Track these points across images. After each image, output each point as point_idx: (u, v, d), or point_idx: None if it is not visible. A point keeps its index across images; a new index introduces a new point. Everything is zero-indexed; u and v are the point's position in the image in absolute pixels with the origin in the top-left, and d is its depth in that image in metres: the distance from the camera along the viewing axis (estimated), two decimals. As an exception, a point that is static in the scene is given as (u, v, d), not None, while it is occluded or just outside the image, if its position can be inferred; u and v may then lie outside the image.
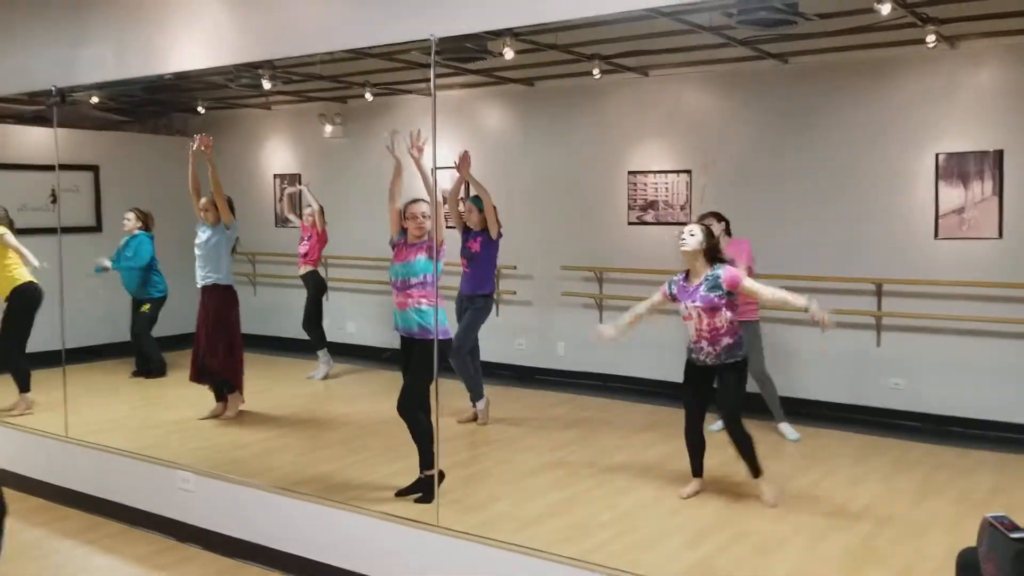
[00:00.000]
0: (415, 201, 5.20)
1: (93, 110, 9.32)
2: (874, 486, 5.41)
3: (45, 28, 6.32)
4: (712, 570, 4.18)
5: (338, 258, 9.46)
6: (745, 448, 5.11)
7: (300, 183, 8.44)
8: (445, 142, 8.89)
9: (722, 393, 5.14)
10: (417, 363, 5.06)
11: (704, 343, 5.07)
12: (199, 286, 6.94)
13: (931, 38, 5.91)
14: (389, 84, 8.60)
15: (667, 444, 6.24)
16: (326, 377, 8.50)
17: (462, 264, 6.83)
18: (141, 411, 7.49)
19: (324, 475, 5.52)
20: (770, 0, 5.19)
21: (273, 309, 10.24)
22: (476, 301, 6.77)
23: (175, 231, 8.64)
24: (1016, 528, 2.83)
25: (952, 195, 6.70)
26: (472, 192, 6.84)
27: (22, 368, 7.19)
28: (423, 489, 4.99)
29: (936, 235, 6.77)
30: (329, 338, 8.71)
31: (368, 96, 8.68)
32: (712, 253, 5.10)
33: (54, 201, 7.36)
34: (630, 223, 8.16)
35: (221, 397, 7.06)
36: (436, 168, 4.92)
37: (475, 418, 6.86)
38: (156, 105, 10.29)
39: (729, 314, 5.03)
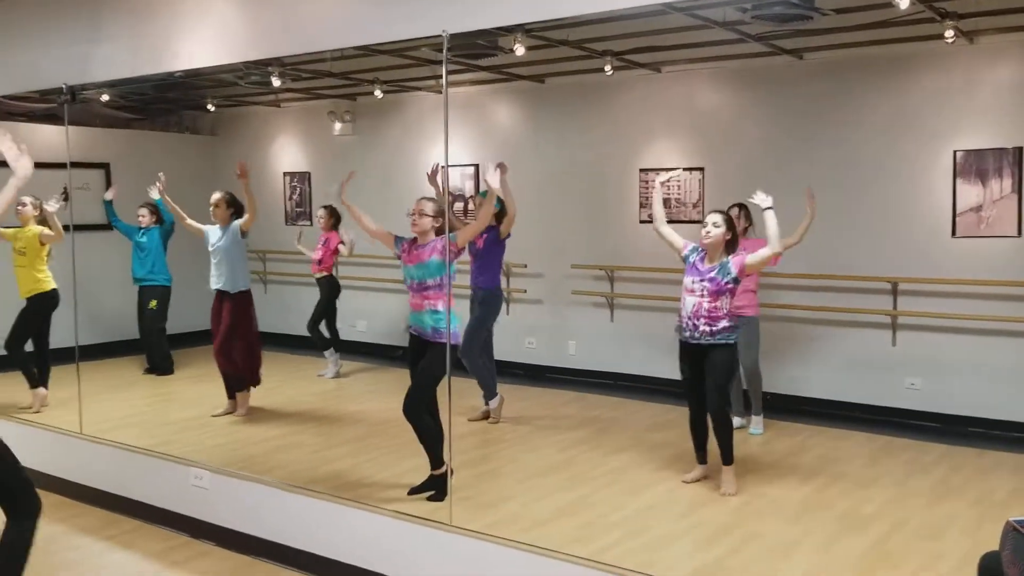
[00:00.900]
0: (419, 199, 5.18)
1: (103, 108, 9.32)
2: (889, 487, 5.36)
3: (56, 26, 6.32)
4: (724, 571, 4.15)
5: (348, 256, 9.44)
6: (725, 432, 5.25)
7: (340, 232, 8.42)
8: (455, 139, 8.92)
9: (708, 373, 5.23)
10: (427, 364, 5.04)
11: (701, 321, 5.19)
12: (212, 288, 6.92)
13: (949, 33, 5.84)
14: (399, 81, 8.58)
15: (678, 444, 6.19)
16: (337, 375, 8.49)
17: (470, 260, 6.82)
18: (155, 408, 7.50)
19: (336, 473, 5.51)
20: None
21: (284, 307, 10.24)
22: (479, 294, 6.75)
23: (182, 228, 8.64)
24: (1039, 532, 2.78)
25: (970, 193, 6.63)
26: (482, 187, 6.80)
27: (31, 365, 7.22)
28: (435, 487, 4.98)
29: (953, 233, 6.71)
30: (340, 336, 8.70)
31: (378, 93, 8.66)
32: (732, 243, 5.29)
33: (66, 199, 7.38)
34: (642, 221, 8.11)
35: (232, 395, 7.06)
36: (448, 165, 4.88)
37: (486, 416, 6.83)
38: (166, 103, 10.30)
39: (729, 301, 5.21)
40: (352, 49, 5.29)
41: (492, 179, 5.12)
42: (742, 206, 6.40)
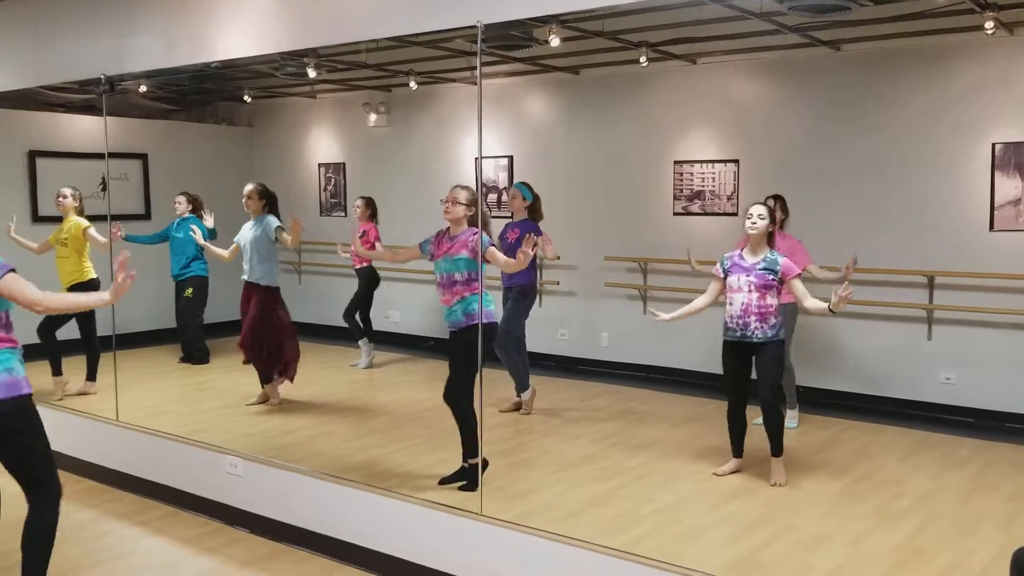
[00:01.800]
0: (453, 187, 5.15)
1: (141, 99, 9.45)
2: (923, 482, 5.32)
3: (94, 17, 6.40)
4: (756, 565, 4.14)
5: (384, 247, 9.50)
6: (777, 424, 5.28)
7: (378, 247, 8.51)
8: (489, 131, 8.94)
9: (763, 368, 5.23)
10: (461, 351, 5.05)
11: (753, 319, 5.18)
12: (243, 280, 6.99)
13: (989, 24, 5.75)
14: (433, 73, 8.60)
15: (711, 437, 6.19)
16: (370, 366, 8.55)
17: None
18: (189, 396, 7.59)
19: (368, 462, 5.55)
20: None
21: (318, 297, 10.33)
22: (513, 291, 6.76)
23: (219, 218, 8.73)
24: (1075, 528, 2.75)
25: (1008, 186, 6.54)
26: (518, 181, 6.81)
27: (59, 354, 7.33)
28: (467, 477, 5.00)
29: (991, 227, 6.62)
30: (374, 327, 8.75)
31: (412, 85, 8.68)
32: (771, 235, 5.31)
33: (104, 189, 7.47)
34: (675, 213, 8.08)
35: (266, 383, 7.13)
36: (483, 157, 4.89)
37: (517, 407, 6.85)
38: (202, 94, 10.41)
39: (777, 297, 5.23)
40: (387, 40, 5.32)
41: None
42: (778, 197, 6.35)
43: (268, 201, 6.95)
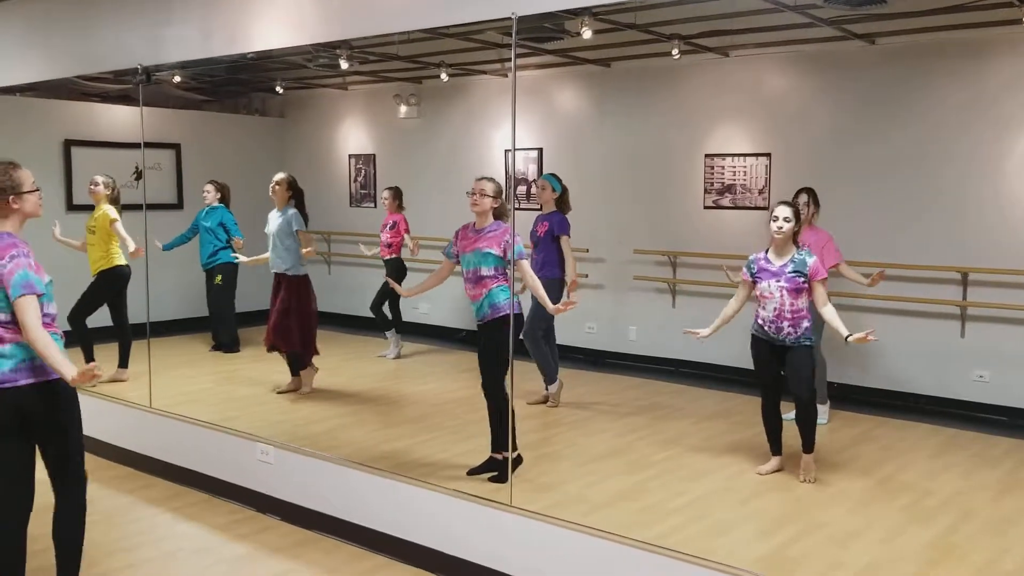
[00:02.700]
0: (479, 178, 5.17)
1: (175, 89, 9.54)
2: (955, 480, 5.28)
3: (131, 7, 6.46)
4: (786, 560, 4.13)
5: (412, 238, 9.53)
6: (810, 422, 5.26)
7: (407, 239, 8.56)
8: (520, 123, 8.92)
9: (797, 368, 5.19)
10: (489, 344, 5.05)
11: (786, 324, 5.14)
12: (272, 271, 7.05)
13: (1027, 18, 5.69)
14: (464, 65, 8.61)
15: (740, 431, 6.19)
16: (398, 356, 8.59)
17: (531, 248, 6.83)
18: (222, 384, 7.67)
19: (397, 451, 5.59)
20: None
21: (347, 288, 10.40)
22: (543, 284, 6.75)
23: (250, 208, 8.80)
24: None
25: (1045, 182, 6.46)
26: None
27: (90, 341, 7.43)
28: (496, 468, 5.03)
29: (1027, 223, 6.55)
30: (403, 318, 8.79)
31: (444, 77, 8.70)
32: (796, 233, 5.23)
33: (138, 178, 7.55)
34: (706, 207, 8.05)
35: (296, 373, 7.19)
36: (515, 149, 4.90)
37: (545, 400, 6.86)
38: (236, 85, 10.49)
39: (808, 299, 5.16)
40: (419, 32, 5.33)
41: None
42: (809, 191, 6.31)
43: (295, 193, 7.01)
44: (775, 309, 5.13)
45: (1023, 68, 6.53)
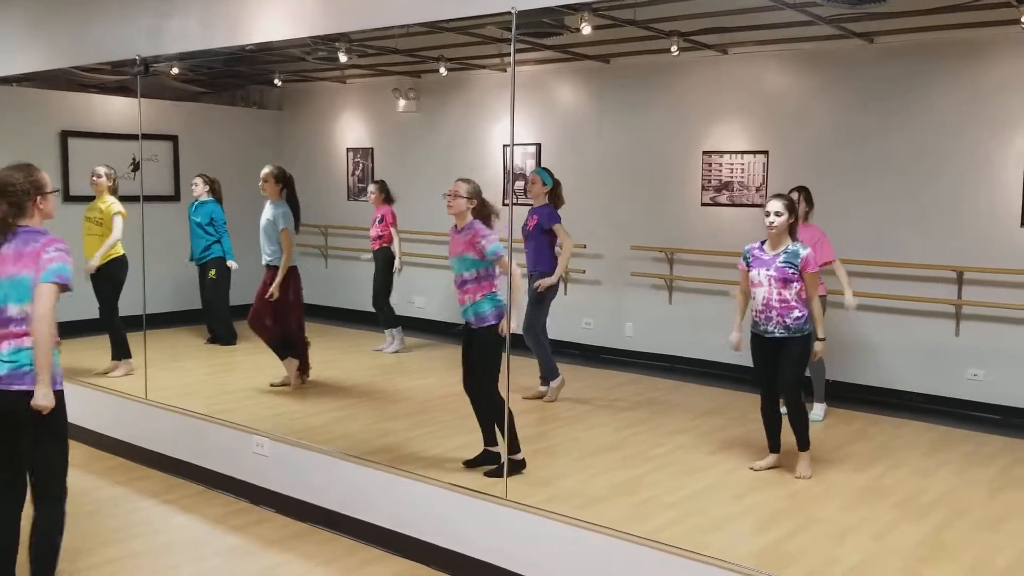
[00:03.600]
0: (456, 180, 5.20)
1: (172, 81, 9.51)
2: (948, 478, 5.30)
3: (130, -1, 6.46)
4: (781, 556, 4.14)
5: (409, 233, 9.53)
6: (799, 419, 5.25)
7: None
8: (518, 118, 8.91)
9: (784, 364, 5.19)
10: (479, 349, 5.11)
11: (774, 313, 5.14)
12: (263, 263, 7.02)
13: (1026, 18, 5.70)
14: (463, 59, 8.61)
15: (735, 427, 6.21)
16: (398, 350, 8.57)
17: (523, 242, 6.83)
18: (217, 377, 7.67)
19: (393, 445, 5.60)
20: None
21: (343, 281, 10.39)
22: (534, 278, 6.77)
23: (246, 201, 8.77)
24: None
25: (1041, 182, 6.48)
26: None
27: (119, 333, 7.45)
28: (493, 462, 5.08)
29: (1023, 223, 6.55)
30: (399, 312, 8.79)
31: (442, 71, 8.69)
32: (794, 225, 5.21)
33: (135, 169, 7.52)
34: (703, 204, 8.06)
35: (283, 357, 7.15)
36: (513, 144, 4.89)
37: (540, 396, 6.87)
38: (234, 77, 10.47)
39: (798, 287, 5.13)
40: (419, 26, 5.32)
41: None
42: (803, 189, 6.34)
43: (285, 185, 6.98)
44: (764, 298, 5.15)
45: (1020, 68, 6.54)
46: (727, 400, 7.02)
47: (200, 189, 8.61)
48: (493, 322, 5.02)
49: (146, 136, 7.75)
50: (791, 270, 5.09)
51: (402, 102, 9.87)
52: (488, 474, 5.00)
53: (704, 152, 8.03)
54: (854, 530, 4.46)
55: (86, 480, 5.78)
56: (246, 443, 5.46)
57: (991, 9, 5.79)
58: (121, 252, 7.39)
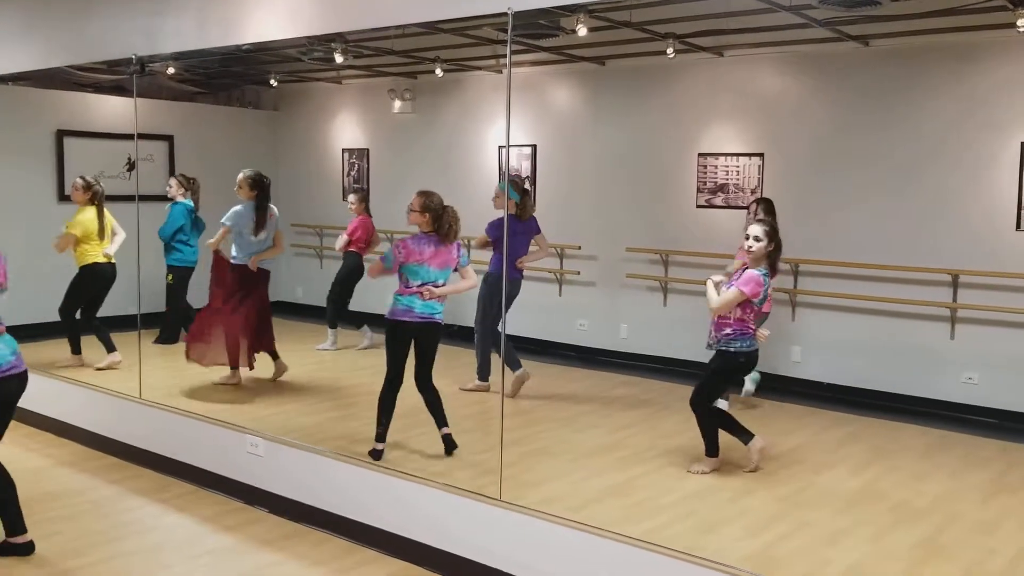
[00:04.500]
0: (416, 194, 5.44)
1: (168, 81, 9.49)
2: (943, 481, 5.30)
3: (127, -2, 6.44)
4: (774, 558, 4.14)
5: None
6: (708, 428, 5.39)
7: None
8: (514, 120, 8.93)
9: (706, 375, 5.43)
10: (430, 345, 5.45)
11: (712, 326, 5.33)
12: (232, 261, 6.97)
13: (1021, 22, 5.69)
14: (459, 60, 8.60)
15: (730, 430, 6.20)
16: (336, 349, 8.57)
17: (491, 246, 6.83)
18: (211, 376, 7.63)
19: (388, 444, 5.56)
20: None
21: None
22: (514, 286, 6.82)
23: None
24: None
25: (1036, 186, 6.49)
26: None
27: (75, 333, 7.61)
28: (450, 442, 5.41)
29: (1018, 226, 6.57)
30: (377, 311, 8.75)
31: (438, 72, 8.69)
32: (775, 254, 5.26)
33: (130, 169, 7.50)
34: (699, 206, 8.06)
35: (276, 356, 7.18)
36: (509, 146, 4.90)
37: (483, 390, 6.99)
38: (230, 77, 10.45)
39: (743, 311, 5.19)
40: (415, 27, 5.32)
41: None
42: (765, 200, 6.50)
43: (260, 190, 6.86)
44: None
45: (1015, 71, 6.56)
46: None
47: (174, 191, 8.47)
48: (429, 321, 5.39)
49: (142, 136, 7.74)
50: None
51: (398, 103, 9.86)
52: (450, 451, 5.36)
53: (699, 154, 8.03)
54: (848, 533, 4.46)
55: (79, 479, 5.77)
56: (240, 443, 5.44)
57: (986, 12, 5.79)
58: (92, 260, 7.45)
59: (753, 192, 7.70)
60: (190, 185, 8.55)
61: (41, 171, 9.29)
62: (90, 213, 7.46)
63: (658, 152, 8.29)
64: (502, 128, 5.64)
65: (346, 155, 10.66)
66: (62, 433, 6.62)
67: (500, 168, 8.87)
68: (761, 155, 7.70)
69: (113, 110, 9.60)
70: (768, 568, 3.99)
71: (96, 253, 7.48)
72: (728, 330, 5.21)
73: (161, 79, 9.13)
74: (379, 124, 10.32)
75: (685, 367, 8.07)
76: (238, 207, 6.85)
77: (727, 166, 7.88)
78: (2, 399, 4.32)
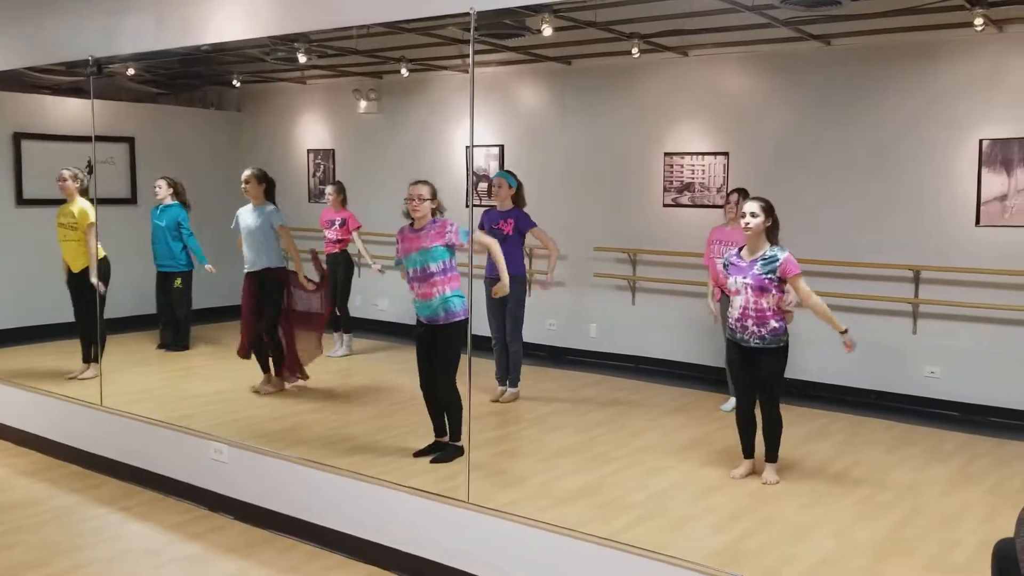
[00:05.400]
0: (414, 183, 5.32)
1: (128, 82, 9.37)
2: (907, 475, 5.35)
3: (84, -2, 6.35)
4: (741, 554, 4.16)
5: (371, 235, 9.46)
6: (774, 432, 5.17)
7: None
8: (480, 120, 8.91)
9: (764, 376, 5.10)
10: (446, 345, 5.25)
11: (750, 323, 5.03)
12: (247, 271, 6.87)
13: (979, 21, 5.78)
14: (425, 60, 8.57)
15: (698, 427, 6.23)
16: (348, 354, 8.49)
17: None
18: (174, 382, 7.56)
19: (355, 449, 5.55)
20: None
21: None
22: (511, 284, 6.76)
23: (206, 204, 8.65)
24: (1057, 520, 2.77)
25: (995, 182, 6.57)
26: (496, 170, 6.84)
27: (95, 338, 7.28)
28: (442, 449, 5.30)
29: (977, 222, 6.65)
30: (361, 315, 8.72)
31: (404, 72, 8.65)
32: (773, 230, 5.07)
33: (90, 172, 7.41)
34: (665, 205, 8.09)
35: (268, 369, 7.04)
36: (474, 145, 4.89)
37: (502, 396, 6.90)
38: (191, 78, 10.33)
39: (778, 296, 5.00)
40: (379, 26, 5.28)
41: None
42: (742, 191, 6.41)
43: (268, 185, 6.88)
44: (741, 307, 5.03)
45: (975, 70, 6.64)
46: (689, 400, 7.04)
47: (163, 192, 8.42)
48: (463, 316, 5.18)
49: (101, 138, 7.61)
50: (767, 278, 4.95)
51: (363, 103, 9.80)
52: (434, 460, 5.22)
53: (666, 153, 8.06)
54: (814, 528, 4.50)
55: (39, 489, 5.67)
56: (204, 449, 5.38)
57: (945, 12, 5.87)
58: (102, 254, 7.22)
59: (719, 191, 7.73)
60: (176, 186, 8.48)
61: (-2, 174, 9.14)
62: (87, 203, 7.24)
63: (625, 151, 8.30)
64: (468, 128, 5.63)
65: (311, 156, 10.57)
66: (22, 442, 6.51)
67: (467, 168, 8.82)
68: (726, 154, 7.74)
69: (72, 112, 9.45)
70: (736, 564, 4.00)
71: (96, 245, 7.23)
72: (775, 323, 5.00)
73: (121, 80, 9.00)
74: (344, 124, 10.26)
75: (654, 366, 8.11)
76: (273, 207, 6.80)
77: (693, 165, 7.92)
78: None
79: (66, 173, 7.30)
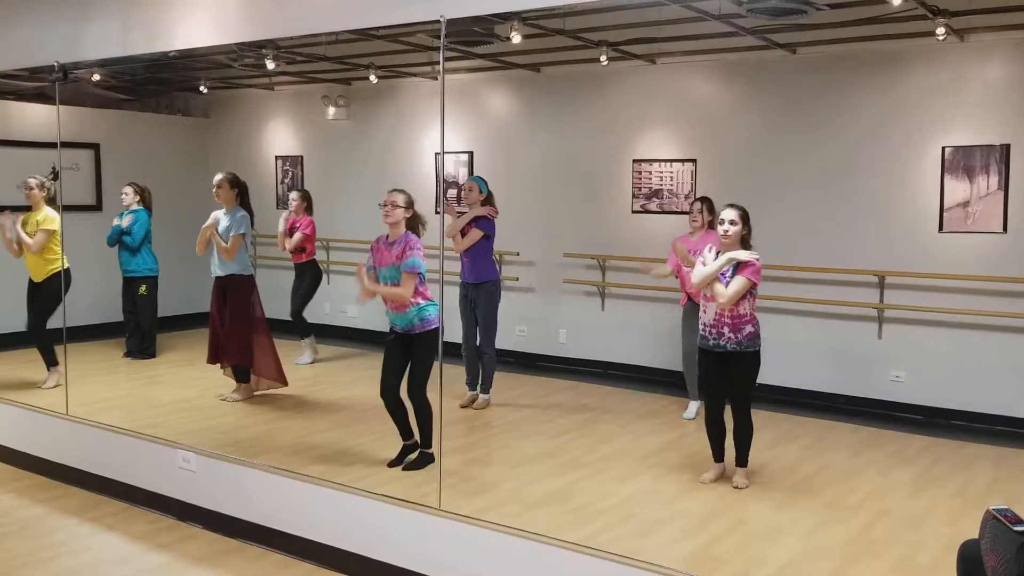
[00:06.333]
0: (390, 191, 5.33)
1: (94, 88, 9.28)
2: (873, 478, 5.42)
3: (48, 3, 6.27)
4: (710, 558, 4.19)
5: (340, 241, 9.44)
6: (746, 437, 5.22)
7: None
8: (450, 126, 8.91)
9: (738, 380, 5.16)
10: (422, 352, 5.27)
11: (726, 329, 5.07)
12: (214, 276, 6.83)
13: (941, 31, 5.89)
14: (394, 67, 8.57)
15: (667, 432, 6.27)
16: (313, 362, 8.46)
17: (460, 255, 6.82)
18: (140, 390, 7.48)
19: (325, 457, 5.52)
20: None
21: (272, 291, 10.17)
22: (483, 290, 6.77)
23: (173, 211, 8.57)
24: (1019, 521, 2.82)
25: (957, 189, 6.68)
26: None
27: (49, 344, 7.23)
28: (412, 452, 5.30)
29: (940, 229, 6.76)
30: (330, 322, 8.67)
31: (373, 79, 8.64)
32: (748, 237, 5.15)
33: (55, 178, 7.33)
34: (634, 211, 8.14)
35: (242, 379, 6.99)
36: (444, 152, 4.90)
37: (473, 401, 6.88)
38: (157, 84, 10.25)
39: (752, 304, 5.08)
40: (348, 33, 5.29)
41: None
42: (705, 200, 6.48)
43: (240, 190, 6.84)
44: (716, 313, 5.08)
45: (935, 78, 6.75)
46: (658, 406, 7.08)
47: (130, 199, 8.36)
48: (436, 325, 5.22)
49: (66, 144, 7.56)
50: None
51: (332, 110, 9.77)
52: (406, 468, 5.24)
53: (634, 160, 8.11)
54: (782, 531, 4.54)
55: (5, 499, 5.60)
56: (172, 458, 5.33)
57: (909, 21, 5.97)
58: (65, 265, 7.11)
59: (687, 197, 7.79)
60: (143, 193, 8.41)
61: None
62: (52, 211, 7.14)
63: (594, 158, 8.35)
64: (438, 134, 5.64)
65: (279, 162, 10.52)
66: None
67: (436, 175, 8.85)
68: (694, 160, 7.80)
69: (36, 118, 9.34)
70: (705, 568, 4.04)
71: (61, 256, 7.14)
72: (750, 328, 5.06)
73: (86, 86, 8.91)
74: (313, 131, 10.22)
75: (623, 371, 8.15)
76: (243, 214, 6.75)
77: (661, 172, 7.98)
78: None
79: (33, 182, 7.21)
